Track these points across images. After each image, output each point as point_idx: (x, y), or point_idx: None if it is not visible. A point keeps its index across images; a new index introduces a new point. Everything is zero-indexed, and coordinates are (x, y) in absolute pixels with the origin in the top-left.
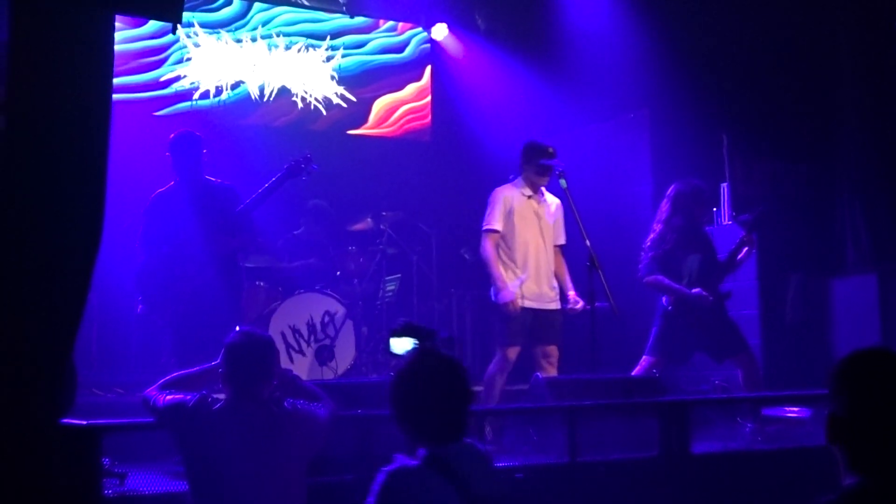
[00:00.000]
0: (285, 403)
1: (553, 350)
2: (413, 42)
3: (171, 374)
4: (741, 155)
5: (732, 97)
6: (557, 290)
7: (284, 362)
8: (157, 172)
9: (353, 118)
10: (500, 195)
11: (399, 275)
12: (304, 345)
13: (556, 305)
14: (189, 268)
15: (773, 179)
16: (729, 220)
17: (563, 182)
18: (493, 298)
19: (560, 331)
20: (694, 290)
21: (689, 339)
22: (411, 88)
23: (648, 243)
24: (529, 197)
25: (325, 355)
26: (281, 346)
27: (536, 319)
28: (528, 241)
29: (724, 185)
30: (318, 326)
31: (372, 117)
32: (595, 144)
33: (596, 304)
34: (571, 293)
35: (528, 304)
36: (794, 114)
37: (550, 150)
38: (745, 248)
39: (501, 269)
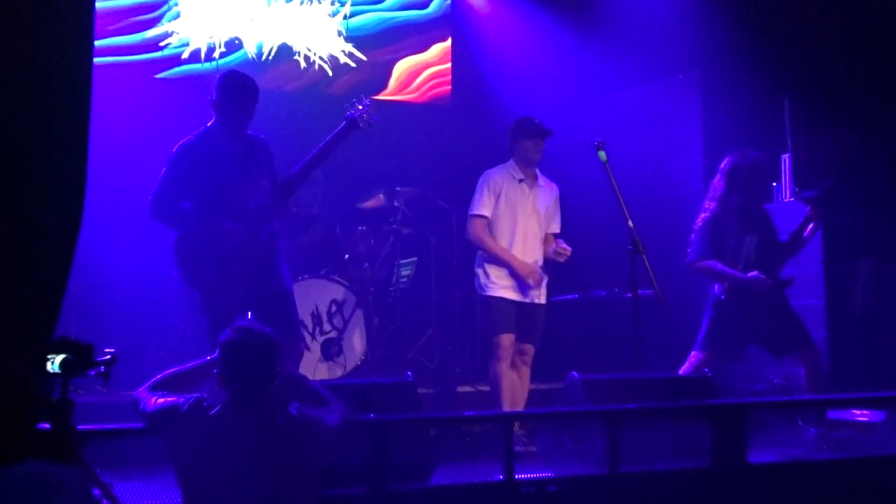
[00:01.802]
0: (290, 408)
1: (529, 349)
2: None
3: (163, 372)
4: (805, 122)
5: (795, 57)
6: (545, 284)
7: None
8: (161, 136)
9: (372, 83)
10: (488, 178)
11: (415, 258)
12: (308, 338)
13: (541, 300)
14: (252, 236)
15: (842, 150)
16: (791, 197)
17: (602, 154)
18: (481, 291)
19: (541, 329)
20: (751, 274)
21: (744, 332)
22: (436, 49)
23: (700, 224)
24: (521, 181)
25: (331, 350)
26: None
27: (520, 313)
28: (516, 229)
29: (786, 156)
30: (324, 317)
31: (392, 82)
32: (638, 110)
33: (639, 292)
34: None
35: (511, 296)
36: (865, 76)
37: (543, 129)
38: (810, 228)
39: (497, 247)
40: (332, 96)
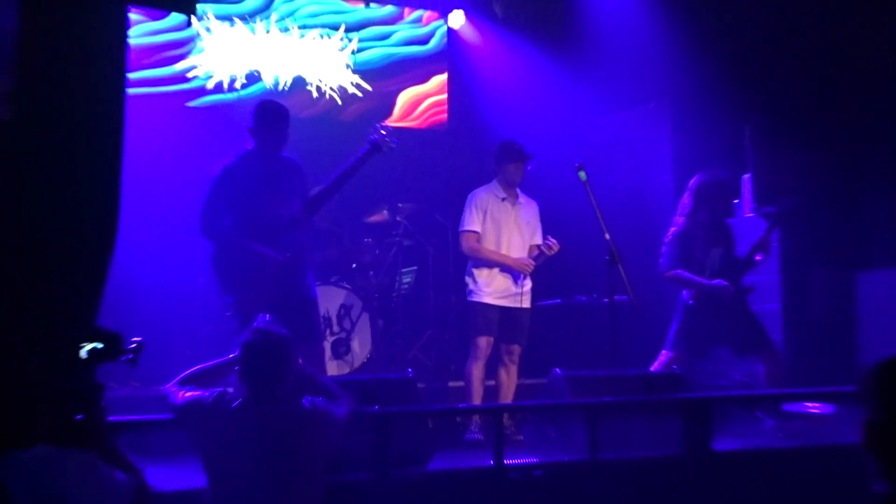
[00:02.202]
0: (303, 401)
1: (516, 349)
2: (437, 34)
3: (191, 368)
4: (765, 145)
5: (756, 85)
6: (529, 290)
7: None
8: (189, 158)
9: (378, 111)
10: (474, 198)
11: (415, 267)
12: None
13: (524, 304)
14: (281, 248)
15: (798, 170)
16: (751, 213)
17: (582, 174)
18: (468, 297)
19: (527, 330)
20: (716, 282)
21: (710, 334)
22: (436, 81)
23: (670, 237)
24: (504, 199)
25: (340, 349)
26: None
27: (505, 316)
28: (500, 241)
29: (747, 176)
30: (334, 319)
31: (397, 110)
32: (615, 134)
33: (616, 298)
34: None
35: (497, 301)
36: (820, 102)
37: (523, 153)
38: (769, 241)
39: (490, 252)
40: (343, 123)
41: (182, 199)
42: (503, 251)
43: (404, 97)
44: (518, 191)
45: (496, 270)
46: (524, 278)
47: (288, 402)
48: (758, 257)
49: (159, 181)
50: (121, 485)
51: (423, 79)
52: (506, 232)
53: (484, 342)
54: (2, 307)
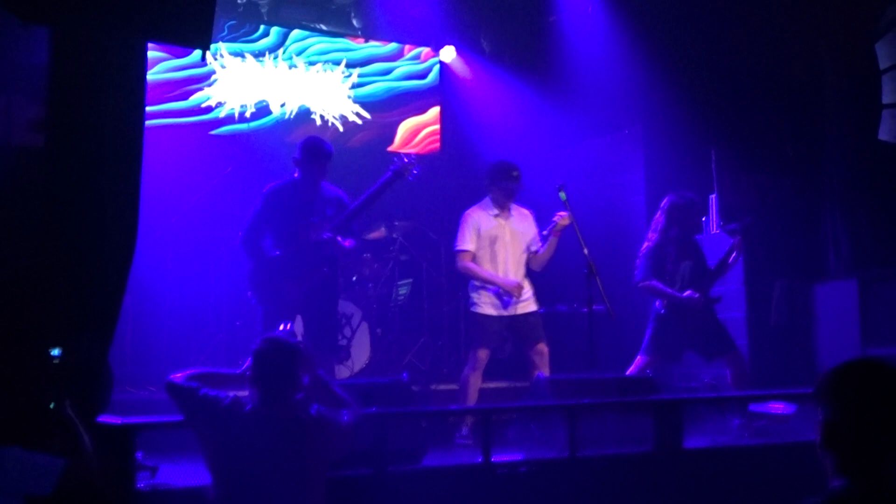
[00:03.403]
0: (311, 409)
1: (542, 348)
2: (435, 70)
3: (198, 368)
4: (729, 168)
5: (720, 114)
6: (531, 294)
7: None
8: (208, 185)
9: (381, 139)
10: (468, 218)
11: (410, 279)
12: None
13: (532, 307)
14: (307, 273)
15: (759, 191)
16: (717, 229)
17: (562, 194)
18: (471, 308)
19: (542, 329)
20: (685, 294)
21: (680, 340)
22: (433, 112)
23: (643, 251)
24: (496, 215)
25: (342, 355)
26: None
27: (515, 325)
28: (496, 257)
29: (713, 196)
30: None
31: (398, 138)
32: (592, 159)
33: (594, 307)
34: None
35: (496, 312)
36: (779, 129)
37: (514, 172)
38: (733, 256)
39: (482, 272)
40: (350, 149)
41: (200, 219)
42: (499, 266)
43: (405, 126)
44: (511, 205)
45: (492, 285)
46: (524, 285)
47: (296, 408)
48: (724, 270)
49: (179, 202)
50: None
51: (422, 110)
52: (501, 248)
53: (483, 354)
54: (30, 315)
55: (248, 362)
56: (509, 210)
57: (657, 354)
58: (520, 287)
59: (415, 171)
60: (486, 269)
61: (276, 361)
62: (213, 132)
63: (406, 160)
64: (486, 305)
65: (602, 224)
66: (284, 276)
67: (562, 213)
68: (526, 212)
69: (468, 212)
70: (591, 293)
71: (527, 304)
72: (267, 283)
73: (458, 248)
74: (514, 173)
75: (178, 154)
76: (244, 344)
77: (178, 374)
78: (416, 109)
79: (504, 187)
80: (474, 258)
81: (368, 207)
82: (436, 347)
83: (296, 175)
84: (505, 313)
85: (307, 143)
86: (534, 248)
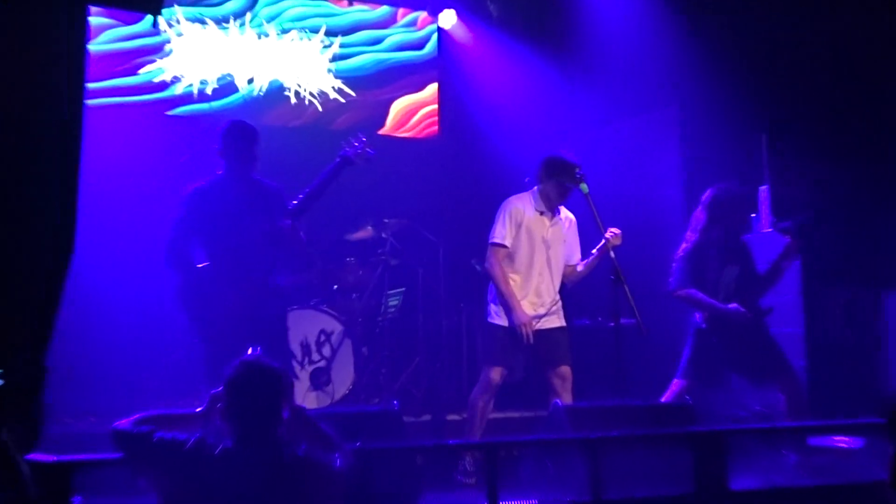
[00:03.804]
0: (298, 450)
1: (566, 371)
2: (433, 39)
3: (149, 410)
4: (782, 155)
5: (772, 91)
6: (558, 308)
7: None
8: (171, 173)
9: (371, 121)
10: (510, 206)
11: (403, 288)
12: (297, 367)
13: (557, 323)
14: (243, 280)
15: (818, 182)
16: (769, 228)
17: (583, 186)
18: (489, 318)
19: (568, 349)
20: (730, 306)
21: (725, 361)
22: (432, 89)
23: (680, 254)
24: (542, 213)
25: (320, 379)
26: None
27: (537, 341)
28: (533, 262)
29: (763, 188)
30: (313, 346)
31: (390, 120)
32: (619, 144)
33: (621, 321)
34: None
35: None
36: (842, 109)
37: (578, 169)
38: (788, 259)
39: (513, 287)
40: (333, 133)
41: (152, 216)
42: (535, 272)
43: (398, 106)
44: (561, 207)
45: (521, 290)
46: (552, 301)
47: (280, 447)
48: (777, 276)
49: (128, 195)
50: None
51: (418, 86)
52: (539, 251)
53: (497, 374)
54: None
55: (217, 390)
56: (557, 212)
57: (697, 377)
58: (528, 330)
59: (369, 155)
60: (520, 270)
61: (256, 390)
62: (168, 113)
63: (357, 144)
64: (506, 317)
65: (631, 222)
66: (220, 289)
67: (614, 231)
68: (572, 217)
69: (511, 199)
70: (617, 304)
71: (552, 318)
72: (200, 297)
73: (494, 240)
74: (579, 172)
75: (126, 139)
76: (204, 365)
77: (124, 421)
78: (411, 86)
79: (563, 186)
80: (509, 255)
81: (313, 203)
82: (433, 370)
83: (220, 172)
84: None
85: (227, 129)
86: (573, 261)
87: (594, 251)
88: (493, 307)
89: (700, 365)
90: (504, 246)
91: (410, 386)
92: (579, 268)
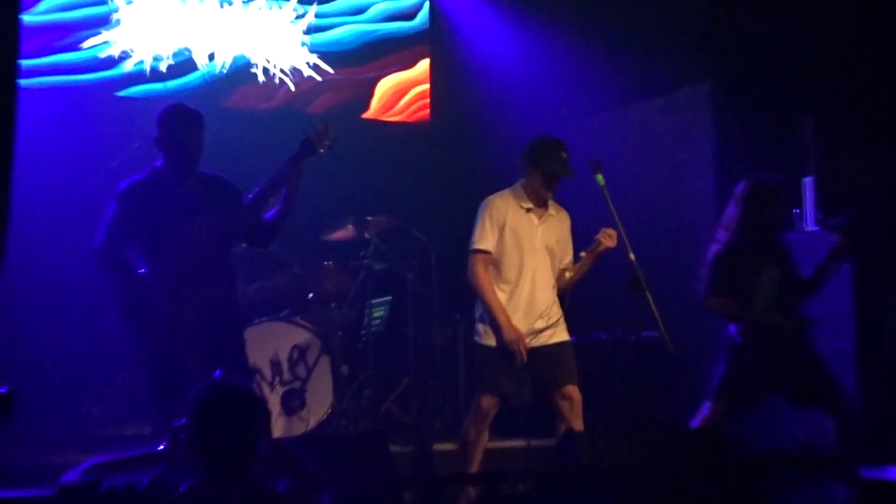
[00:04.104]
0: (279, 486)
1: (572, 391)
2: (425, 7)
3: (101, 456)
4: (830, 141)
5: (819, 66)
6: (559, 319)
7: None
8: (121, 163)
9: (353, 103)
10: (490, 206)
11: (389, 297)
12: (266, 389)
13: (559, 337)
14: (194, 290)
15: (872, 172)
16: (814, 226)
17: (599, 177)
18: (476, 337)
19: (573, 366)
20: (770, 316)
21: (764, 380)
22: (424, 66)
23: (712, 256)
24: (529, 210)
25: (293, 402)
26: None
27: (535, 360)
28: (523, 267)
29: (808, 179)
30: (285, 365)
31: (375, 102)
32: (641, 128)
33: (643, 334)
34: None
35: None
36: None
37: (564, 153)
38: (836, 261)
39: (500, 299)
40: (310, 117)
41: (99, 212)
42: (524, 279)
43: (384, 86)
44: (551, 199)
45: (512, 301)
46: (549, 310)
47: (258, 486)
48: (823, 281)
49: (69, 191)
50: None
51: (408, 63)
52: (530, 254)
53: (489, 402)
54: None
55: (181, 421)
56: (546, 206)
57: (731, 399)
58: (520, 347)
59: (333, 140)
60: (509, 278)
61: (230, 416)
62: (119, 94)
63: (321, 127)
64: (496, 336)
65: (655, 218)
66: (166, 301)
67: (608, 231)
68: (564, 213)
69: (491, 198)
70: (639, 315)
71: (553, 331)
72: (142, 311)
73: (474, 246)
74: (564, 155)
75: (67, 124)
76: (149, 391)
77: (70, 473)
78: (399, 62)
79: (548, 172)
80: (495, 262)
81: (268, 199)
82: (425, 392)
83: (158, 163)
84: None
85: (169, 113)
86: (564, 264)
87: (582, 254)
88: (480, 326)
89: (735, 385)
90: (486, 252)
91: (398, 410)
92: (567, 273)
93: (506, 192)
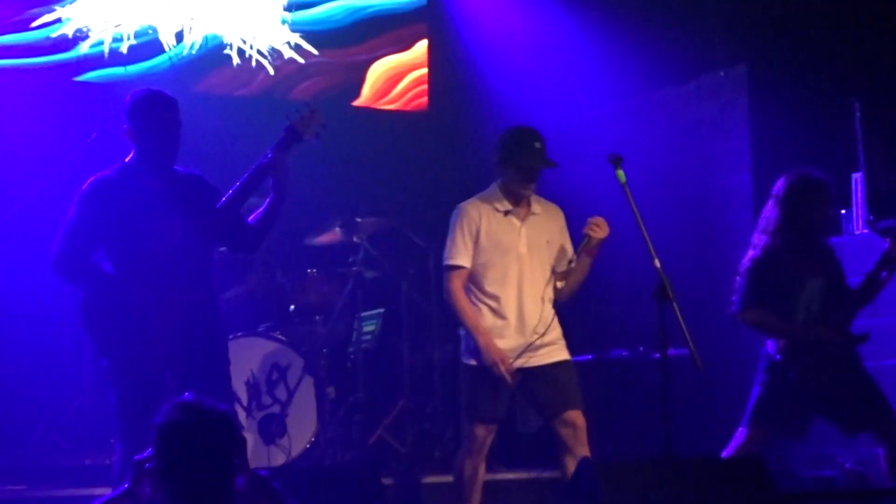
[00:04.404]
0: None
1: (575, 418)
2: None
3: None
4: (882, 131)
5: (869, 48)
6: (557, 336)
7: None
8: (77, 158)
9: (342, 90)
10: (462, 215)
11: (382, 309)
12: (241, 414)
13: (557, 356)
14: (169, 298)
15: None
16: (864, 228)
17: (620, 173)
18: (463, 358)
19: (575, 388)
20: (814, 330)
21: (806, 403)
22: (422, 48)
23: (748, 263)
24: (507, 212)
25: (272, 429)
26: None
27: (530, 382)
28: (507, 278)
29: (857, 175)
30: (263, 387)
31: (367, 89)
32: (668, 117)
33: (670, 351)
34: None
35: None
36: None
37: (537, 143)
38: (889, 268)
39: (479, 318)
40: (295, 103)
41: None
42: (509, 293)
43: (378, 70)
44: (532, 197)
45: (500, 317)
46: (548, 321)
47: None
48: (874, 291)
49: (18, 187)
50: None
51: (405, 44)
52: (514, 263)
53: (482, 430)
54: None
55: (146, 453)
56: (528, 204)
57: (770, 425)
58: (506, 369)
59: (321, 128)
60: (492, 292)
61: (201, 444)
62: (76, 79)
63: (308, 111)
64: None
65: (683, 219)
66: (136, 310)
67: (595, 220)
68: (555, 208)
69: (463, 206)
70: (665, 329)
71: (550, 350)
72: (109, 321)
73: (447, 261)
74: (537, 143)
75: (15, 114)
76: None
77: None
78: (394, 43)
79: (522, 167)
80: (475, 276)
81: (248, 196)
82: (422, 417)
83: (129, 158)
84: (519, 363)
85: (142, 101)
86: (562, 267)
87: (573, 256)
88: (464, 339)
89: (774, 408)
90: (461, 267)
91: (391, 438)
92: (558, 283)
93: (480, 196)
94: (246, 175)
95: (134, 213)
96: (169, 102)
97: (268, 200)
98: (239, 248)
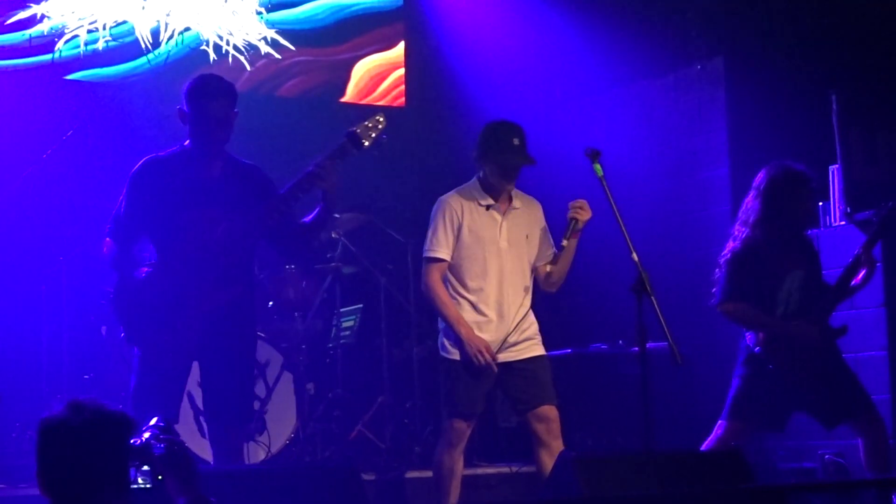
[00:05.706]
0: None
1: (549, 413)
2: None
3: None
4: (859, 124)
5: (845, 40)
6: (534, 332)
7: (194, 439)
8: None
9: (327, 88)
10: (443, 207)
11: (360, 305)
12: None
13: (533, 352)
14: (206, 293)
15: None
16: (842, 220)
17: (597, 167)
18: (442, 351)
19: (549, 383)
20: (793, 323)
21: (786, 396)
22: (403, 48)
23: (728, 255)
24: (489, 207)
25: (252, 425)
26: (187, 415)
27: (507, 376)
28: (488, 272)
29: (835, 167)
30: None
31: (351, 87)
32: (646, 110)
33: (649, 345)
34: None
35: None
36: None
37: (517, 138)
38: (867, 261)
39: (458, 309)
40: (280, 102)
41: (25, 214)
42: (490, 286)
43: (362, 69)
44: (512, 190)
45: (480, 310)
46: (521, 319)
47: None
48: (854, 282)
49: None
50: None
51: (387, 43)
52: (493, 257)
53: (460, 424)
54: None
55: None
56: (509, 199)
57: (750, 418)
58: (486, 359)
59: (383, 137)
60: (472, 286)
61: (84, 447)
62: (67, 77)
63: (370, 123)
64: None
65: (662, 212)
66: (169, 299)
67: (578, 203)
68: (533, 202)
69: (445, 198)
70: (643, 323)
71: (526, 345)
72: (140, 309)
73: (427, 254)
74: (517, 140)
75: (35, 109)
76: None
77: None
78: (377, 42)
79: (501, 162)
80: (455, 269)
81: (295, 200)
82: (402, 413)
83: (186, 143)
84: (499, 358)
85: (195, 85)
86: (544, 260)
87: (564, 242)
88: (443, 334)
89: (753, 401)
90: (441, 260)
91: (371, 434)
92: (547, 267)
93: (462, 189)
94: (290, 184)
95: (176, 202)
96: (217, 87)
97: (317, 210)
98: (288, 252)
